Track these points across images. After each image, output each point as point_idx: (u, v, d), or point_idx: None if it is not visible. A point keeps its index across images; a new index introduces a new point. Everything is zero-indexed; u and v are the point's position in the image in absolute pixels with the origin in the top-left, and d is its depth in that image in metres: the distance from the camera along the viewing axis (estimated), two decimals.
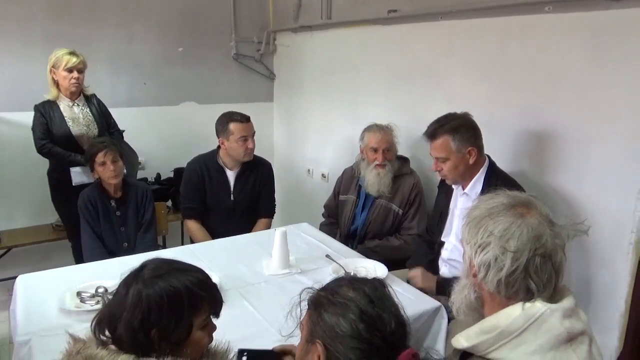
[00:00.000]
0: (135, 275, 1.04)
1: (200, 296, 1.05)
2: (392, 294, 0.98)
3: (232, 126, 2.55)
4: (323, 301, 0.96)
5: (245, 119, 2.60)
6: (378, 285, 0.98)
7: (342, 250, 2.29)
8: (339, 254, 2.21)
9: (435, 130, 1.97)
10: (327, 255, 2.13)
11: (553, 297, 1.00)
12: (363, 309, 0.91)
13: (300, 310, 1.00)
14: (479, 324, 1.01)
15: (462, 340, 1.02)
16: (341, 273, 1.92)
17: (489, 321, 1.00)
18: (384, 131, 2.51)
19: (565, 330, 0.94)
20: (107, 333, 1.03)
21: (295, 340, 1.03)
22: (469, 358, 1.02)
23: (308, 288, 1.01)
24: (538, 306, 0.96)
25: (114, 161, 2.45)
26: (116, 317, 1.00)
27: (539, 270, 0.97)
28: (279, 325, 1.57)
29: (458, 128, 1.93)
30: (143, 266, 1.06)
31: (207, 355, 1.06)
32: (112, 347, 1.00)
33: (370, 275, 1.87)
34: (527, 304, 0.97)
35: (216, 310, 1.08)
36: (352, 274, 1.89)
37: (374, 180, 2.49)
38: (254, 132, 2.64)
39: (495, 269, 0.98)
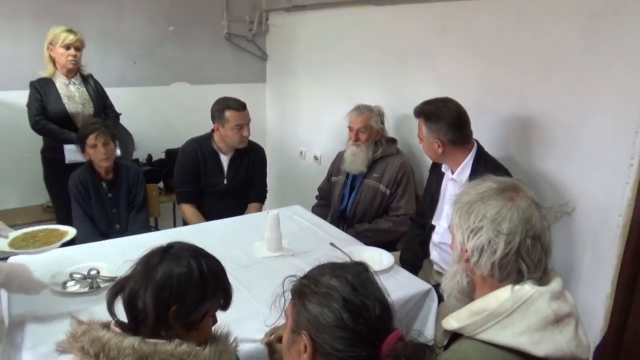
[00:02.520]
0: (163, 253, 1.05)
1: (222, 283, 1.08)
2: (375, 278, 0.97)
3: (228, 114, 2.54)
4: (306, 291, 0.95)
5: (241, 107, 2.58)
6: (361, 270, 0.97)
7: (336, 233, 2.30)
8: (333, 237, 2.22)
9: (418, 111, 2.04)
10: (332, 244, 2.12)
11: (542, 279, 1.03)
12: (347, 298, 0.90)
13: (284, 299, 1.00)
14: (469, 306, 1.04)
15: (452, 322, 1.04)
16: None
17: (479, 303, 1.02)
18: (361, 112, 2.54)
19: (552, 312, 0.96)
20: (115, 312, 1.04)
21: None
22: (458, 339, 1.05)
23: (290, 276, 1.01)
24: (527, 289, 0.98)
25: (105, 144, 2.43)
26: (140, 291, 1.00)
27: (530, 252, 1.00)
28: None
29: (430, 117, 1.98)
30: (170, 246, 1.07)
31: (210, 339, 1.07)
32: (116, 329, 1.00)
33: (377, 265, 1.88)
34: (516, 287, 1.00)
35: (226, 303, 1.10)
36: None
37: (348, 157, 2.56)
38: (250, 120, 2.63)
39: (489, 252, 1.00)
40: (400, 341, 0.89)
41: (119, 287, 1.05)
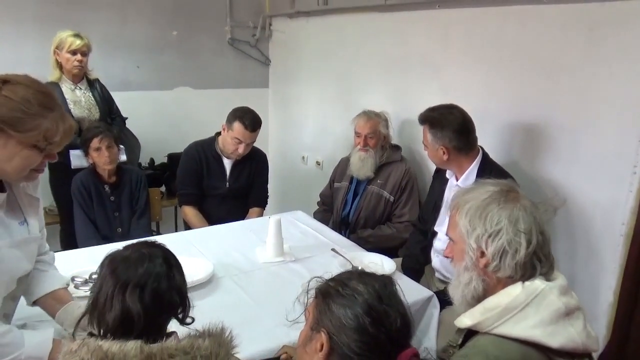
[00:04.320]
0: (135, 258, 1.02)
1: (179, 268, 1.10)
2: (400, 293, 0.99)
3: (236, 125, 2.53)
4: (332, 292, 0.97)
5: (250, 127, 2.53)
6: (388, 282, 1.00)
7: (337, 239, 2.30)
8: (335, 242, 2.22)
9: (422, 118, 2.04)
10: (333, 249, 2.11)
11: (549, 274, 1.07)
12: (371, 304, 0.93)
13: (308, 298, 1.02)
14: (482, 304, 1.06)
15: (466, 320, 1.07)
16: (348, 267, 1.92)
17: (492, 300, 1.05)
18: (369, 117, 2.56)
19: (563, 305, 1.00)
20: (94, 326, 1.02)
21: (300, 326, 1.05)
22: (473, 336, 1.07)
23: (317, 277, 1.03)
24: (537, 283, 1.02)
25: (109, 147, 2.43)
26: (132, 304, 0.98)
27: (542, 247, 1.04)
28: (273, 312, 1.59)
29: (434, 124, 1.98)
30: (115, 265, 1.02)
31: (203, 336, 1.07)
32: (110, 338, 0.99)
33: (378, 270, 1.88)
34: (527, 283, 1.03)
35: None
36: (359, 268, 1.89)
37: (356, 162, 2.57)
38: (253, 142, 2.62)
39: (511, 253, 1.03)
40: (415, 357, 0.91)
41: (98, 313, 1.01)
